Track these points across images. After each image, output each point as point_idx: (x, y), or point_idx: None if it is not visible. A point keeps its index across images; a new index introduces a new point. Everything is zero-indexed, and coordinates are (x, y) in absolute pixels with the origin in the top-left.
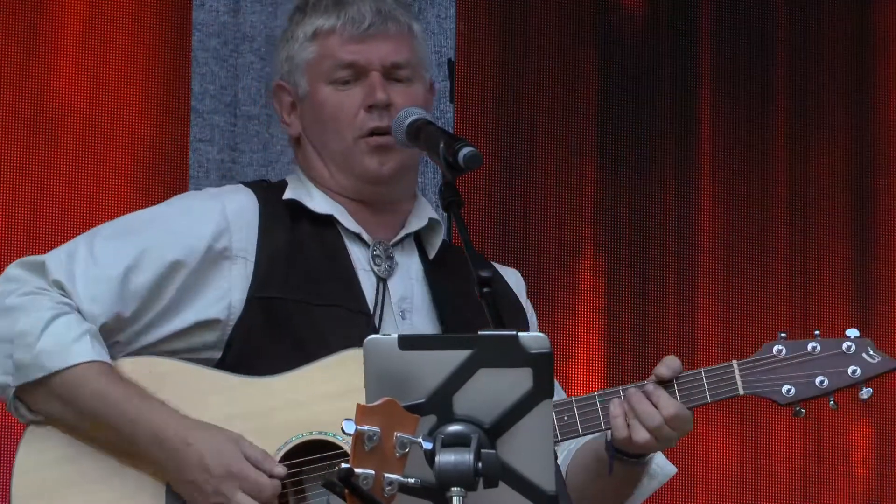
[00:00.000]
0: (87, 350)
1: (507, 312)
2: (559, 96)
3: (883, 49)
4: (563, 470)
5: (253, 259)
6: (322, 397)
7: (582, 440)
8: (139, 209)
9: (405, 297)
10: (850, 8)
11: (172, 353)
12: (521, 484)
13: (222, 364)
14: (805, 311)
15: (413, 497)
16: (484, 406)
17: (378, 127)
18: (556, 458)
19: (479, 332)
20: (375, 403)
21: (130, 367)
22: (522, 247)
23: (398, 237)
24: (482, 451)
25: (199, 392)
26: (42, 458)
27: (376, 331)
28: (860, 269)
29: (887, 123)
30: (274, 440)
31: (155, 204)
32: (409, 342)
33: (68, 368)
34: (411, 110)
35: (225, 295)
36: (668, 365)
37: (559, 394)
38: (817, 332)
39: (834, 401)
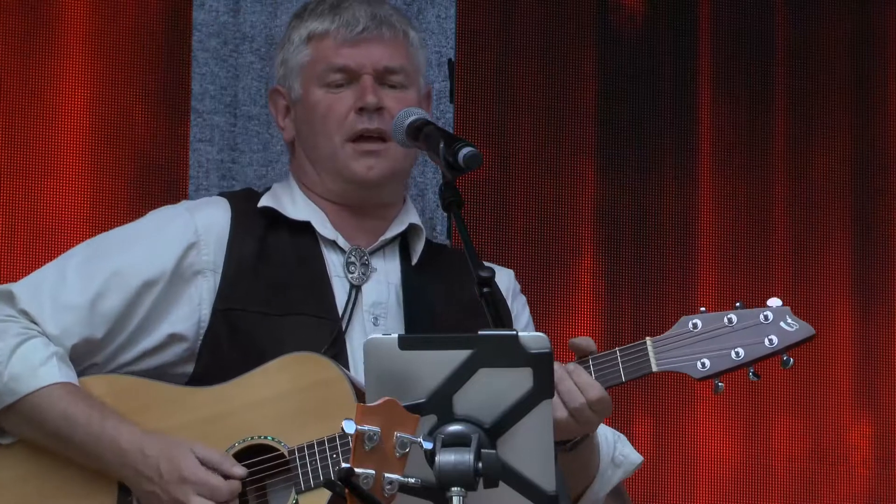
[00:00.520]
0: (55, 373)
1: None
2: (559, 96)
3: (883, 49)
4: None
5: (220, 272)
6: (259, 402)
7: None
8: (138, 209)
9: (379, 303)
10: (850, 8)
11: (150, 370)
12: (521, 484)
13: (193, 377)
14: (805, 312)
15: (413, 497)
16: (484, 406)
17: (367, 129)
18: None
19: (480, 332)
20: (375, 403)
21: (90, 386)
22: (522, 247)
23: (376, 243)
24: (482, 451)
25: (147, 405)
26: (2, 477)
27: (341, 337)
28: (860, 269)
29: (887, 123)
30: (217, 447)
31: (155, 204)
32: (409, 342)
33: (36, 391)
34: (411, 110)
35: (195, 310)
36: (582, 339)
37: None
38: (738, 304)
39: (754, 372)
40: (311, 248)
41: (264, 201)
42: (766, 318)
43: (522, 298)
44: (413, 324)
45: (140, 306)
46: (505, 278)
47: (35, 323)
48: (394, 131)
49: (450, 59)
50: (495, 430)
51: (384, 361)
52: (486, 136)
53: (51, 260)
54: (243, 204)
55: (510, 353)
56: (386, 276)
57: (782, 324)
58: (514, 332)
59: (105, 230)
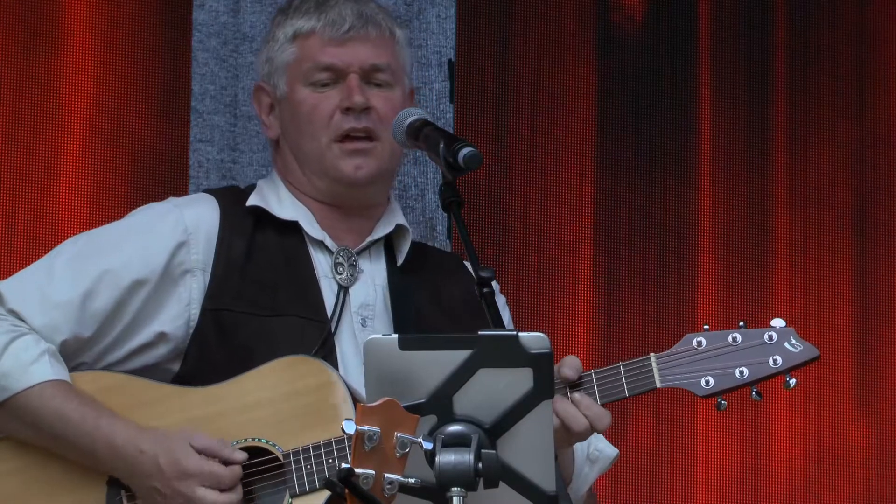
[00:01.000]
0: (47, 370)
1: (468, 312)
2: (559, 96)
3: (883, 49)
4: None
5: (210, 271)
6: (253, 404)
7: None
8: (138, 209)
9: (366, 305)
10: (850, 8)
11: (138, 369)
12: (521, 484)
13: (179, 376)
14: (805, 312)
15: (413, 497)
16: (484, 406)
17: (354, 129)
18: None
19: (480, 332)
20: (375, 403)
21: (75, 382)
22: (522, 247)
23: (363, 244)
24: (482, 451)
25: (136, 404)
26: None
27: (330, 339)
28: (860, 269)
29: (887, 124)
30: None
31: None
32: (409, 342)
33: (28, 389)
34: (411, 110)
35: (185, 309)
36: (570, 365)
37: None
38: (742, 323)
39: (757, 391)
40: (299, 248)
41: (252, 200)
42: (770, 338)
43: (502, 298)
44: (401, 325)
45: (130, 305)
46: None
47: (23, 321)
48: (394, 131)
49: (450, 59)
50: (495, 431)
51: (384, 361)
52: (486, 136)
53: None
54: (231, 202)
55: (510, 354)
56: (372, 278)
57: (786, 344)
58: (515, 333)
59: None
